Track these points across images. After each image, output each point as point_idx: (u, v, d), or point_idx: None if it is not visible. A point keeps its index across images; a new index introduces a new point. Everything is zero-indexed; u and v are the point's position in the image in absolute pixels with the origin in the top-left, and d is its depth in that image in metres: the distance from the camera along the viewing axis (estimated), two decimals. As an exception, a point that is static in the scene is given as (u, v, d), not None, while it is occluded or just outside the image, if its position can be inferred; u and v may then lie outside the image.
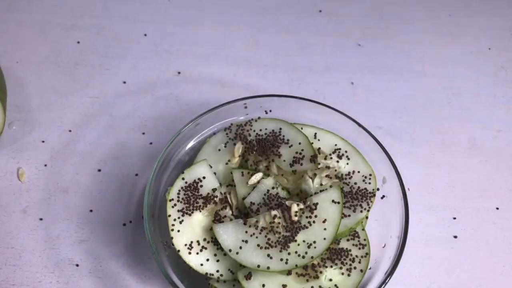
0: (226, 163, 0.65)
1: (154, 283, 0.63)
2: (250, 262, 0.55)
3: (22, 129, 0.75)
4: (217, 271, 0.57)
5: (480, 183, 0.74)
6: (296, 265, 0.54)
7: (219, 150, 0.66)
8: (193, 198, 0.60)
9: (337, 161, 0.64)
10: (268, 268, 0.54)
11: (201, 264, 0.57)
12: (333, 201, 0.58)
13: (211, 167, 0.64)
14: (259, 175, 0.62)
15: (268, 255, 0.55)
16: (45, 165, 0.72)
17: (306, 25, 0.92)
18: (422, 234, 0.68)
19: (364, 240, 0.60)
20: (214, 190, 0.61)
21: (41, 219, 0.67)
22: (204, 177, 0.62)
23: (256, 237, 0.56)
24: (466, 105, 0.82)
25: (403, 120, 0.80)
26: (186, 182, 0.61)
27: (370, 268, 0.59)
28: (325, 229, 0.56)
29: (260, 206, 0.60)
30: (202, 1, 0.94)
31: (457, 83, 0.85)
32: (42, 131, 0.75)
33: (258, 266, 0.54)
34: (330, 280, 0.56)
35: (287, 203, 0.58)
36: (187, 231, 0.58)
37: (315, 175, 0.62)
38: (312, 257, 0.55)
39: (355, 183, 0.63)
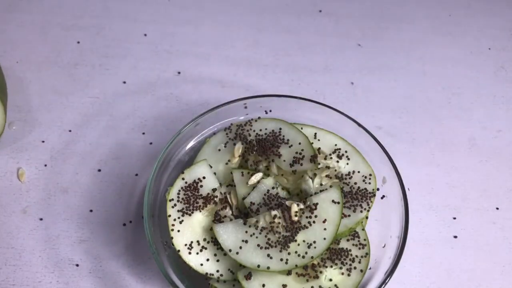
0: (226, 163, 0.65)
1: (154, 283, 0.63)
2: (250, 262, 0.55)
3: (22, 129, 0.75)
4: (217, 271, 0.57)
5: (480, 183, 0.74)
6: (296, 265, 0.54)
7: (219, 150, 0.66)
8: (193, 198, 0.60)
9: (337, 161, 0.64)
10: (268, 268, 0.54)
11: (201, 264, 0.57)
12: (333, 201, 0.58)
13: (211, 167, 0.64)
14: (259, 175, 0.62)
15: (268, 255, 0.55)
16: (45, 165, 0.72)
17: (306, 25, 0.92)
18: (422, 234, 0.68)
19: (364, 240, 0.60)
20: (214, 190, 0.61)
21: (41, 219, 0.67)
22: (204, 177, 0.62)
23: (256, 237, 0.56)
24: (466, 105, 0.82)
25: (403, 120, 0.80)
26: (186, 182, 0.61)
27: (370, 268, 0.59)
28: (325, 229, 0.56)
29: (260, 206, 0.60)
30: (202, 1, 0.94)
31: (457, 83, 0.85)
32: (42, 131, 0.75)
33: (258, 266, 0.54)
34: (330, 280, 0.56)
35: (287, 203, 0.58)
36: (187, 231, 0.58)
37: (315, 175, 0.62)
38: (312, 257, 0.55)
39: (355, 183, 0.63)
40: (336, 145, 0.66)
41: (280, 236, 0.56)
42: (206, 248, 0.58)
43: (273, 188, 0.61)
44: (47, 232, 0.66)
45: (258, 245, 0.56)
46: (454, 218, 0.70)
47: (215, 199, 0.61)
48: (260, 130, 0.66)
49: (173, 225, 0.58)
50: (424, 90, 0.84)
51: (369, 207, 0.61)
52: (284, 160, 0.63)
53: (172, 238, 0.57)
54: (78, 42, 0.86)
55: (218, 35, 0.89)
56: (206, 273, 0.57)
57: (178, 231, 0.58)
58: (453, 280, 0.65)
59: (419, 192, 0.72)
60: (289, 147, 0.64)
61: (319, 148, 0.65)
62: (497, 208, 0.71)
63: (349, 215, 0.60)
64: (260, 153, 0.64)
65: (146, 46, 0.87)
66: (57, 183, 0.70)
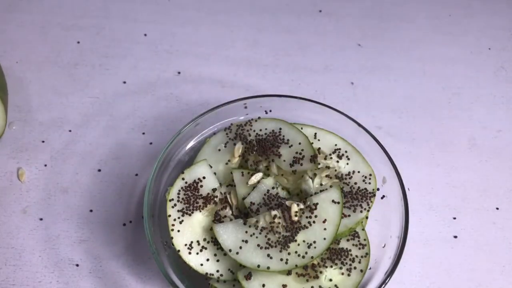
0: (226, 163, 0.65)
1: (154, 283, 0.63)
2: (250, 262, 0.55)
3: (22, 129, 0.75)
4: (217, 271, 0.57)
5: (480, 183, 0.74)
6: (296, 265, 0.54)
7: (219, 150, 0.66)
8: (193, 198, 0.60)
9: (337, 161, 0.64)
10: (268, 268, 0.54)
11: (201, 264, 0.57)
12: (333, 201, 0.58)
13: (211, 167, 0.64)
14: (259, 175, 0.62)
15: (268, 255, 0.55)
16: (45, 165, 0.72)
17: (306, 25, 0.92)
18: (422, 234, 0.68)
19: (364, 240, 0.60)
20: (214, 190, 0.61)
21: (41, 219, 0.67)
22: (204, 177, 0.62)
23: (256, 237, 0.56)
24: (466, 105, 0.82)
25: (403, 120, 0.80)
26: (186, 182, 0.61)
27: (370, 268, 0.59)
28: (325, 229, 0.56)
29: (260, 206, 0.60)
30: (202, 1, 0.94)
31: (457, 83, 0.85)
32: (42, 131, 0.75)
33: (258, 266, 0.54)
34: (330, 280, 0.56)
35: (287, 203, 0.58)
36: (187, 231, 0.58)
37: (315, 175, 0.62)
38: (312, 257, 0.55)
39: (355, 183, 0.63)
40: (336, 145, 0.66)
41: (280, 236, 0.56)
42: (206, 248, 0.58)
43: (273, 188, 0.61)
44: (47, 232, 0.66)
45: (258, 245, 0.56)
46: (454, 218, 0.70)
47: (215, 199, 0.61)
48: (260, 130, 0.66)
49: (173, 225, 0.58)
50: (424, 90, 0.84)
51: (369, 207, 0.61)
52: (284, 160, 0.63)
53: (172, 238, 0.57)
54: (78, 42, 0.86)
55: (218, 35, 0.89)
56: (206, 273, 0.57)
57: (178, 231, 0.58)
58: (453, 280, 0.65)
59: (419, 192, 0.72)
60: (289, 147, 0.64)
61: (319, 148, 0.65)
62: (497, 208, 0.71)
63: (349, 215, 0.60)
64: (260, 153, 0.64)
65: (146, 46, 0.87)
66: (57, 183, 0.70)
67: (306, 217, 0.57)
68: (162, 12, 0.92)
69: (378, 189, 0.64)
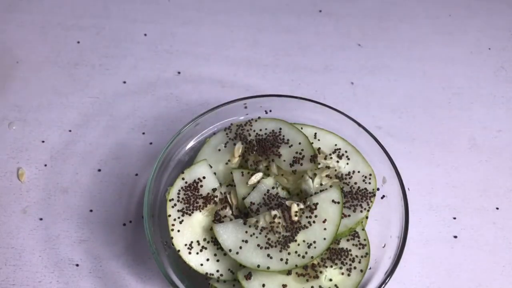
0: (226, 163, 0.65)
1: (154, 283, 0.63)
2: (250, 262, 0.55)
3: (22, 129, 0.75)
4: (217, 271, 0.57)
5: (480, 183, 0.74)
6: (296, 265, 0.54)
7: (219, 150, 0.66)
8: (193, 198, 0.60)
9: (337, 161, 0.64)
10: (268, 268, 0.54)
11: (201, 264, 0.57)
12: (333, 201, 0.58)
13: (211, 167, 0.64)
14: (259, 175, 0.62)
15: (268, 255, 0.55)
16: (45, 165, 0.72)
17: (306, 25, 0.92)
18: (422, 234, 0.68)
19: (364, 240, 0.60)
20: (214, 190, 0.61)
21: (41, 219, 0.67)
22: (204, 177, 0.62)
23: (256, 237, 0.56)
24: (466, 105, 0.82)
25: (403, 120, 0.80)
26: (186, 182, 0.61)
27: (370, 268, 0.59)
28: (325, 229, 0.56)
29: (260, 206, 0.60)
30: (202, 1, 0.94)
31: (457, 83, 0.85)
32: (42, 131, 0.75)
33: (258, 266, 0.54)
34: (330, 280, 0.56)
35: (287, 203, 0.58)
36: (187, 231, 0.58)
37: (315, 175, 0.62)
38: (312, 257, 0.55)
39: (355, 183, 0.63)
40: (336, 145, 0.66)
41: (280, 236, 0.56)
42: (206, 248, 0.58)
43: (273, 188, 0.61)
44: (47, 232, 0.66)
45: (258, 245, 0.56)
46: (454, 218, 0.70)
47: (215, 199, 0.61)
48: (260, 130, 0.66)
49: (173, 225, 0.58)
50: (424, 90, 0.84)
51: (369, 207, 0.61)
52: (284, 160, 0.63)
53: (172, 238, 0.57)
54: (78, 42, 0.86)
55: (218, 35, 0.89)
56: (206, 273, 0.57)
57: (178, 231, 0.58)
58: (453, 280, 0.65)
59: (419, 192, 0.72)
60: (289, 147, 0.64)
61: (319, 148, 0.65)
62: (497, 208, 0.71)
63: (349, 215, 0.60)
64: (260, 153, 0.64)
65: (146, 46, 0.87)
66: (57, 183, 0.70)
67: (306, 217, 0.57)
68: (162, 12, 0.92)
69: (378, 189, 0.64)
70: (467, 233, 0.69)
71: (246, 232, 0.57)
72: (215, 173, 0.64)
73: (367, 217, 0.62)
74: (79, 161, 0.73)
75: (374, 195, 0.62)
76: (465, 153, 0.77)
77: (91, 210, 0.68)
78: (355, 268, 0.57)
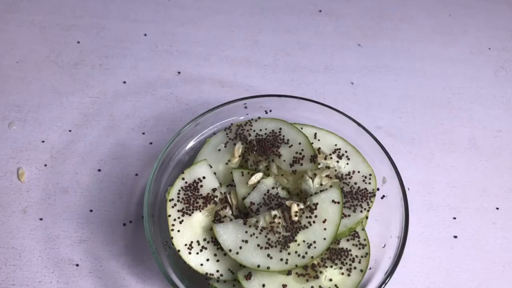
0: (226, 163, 0.65)
1: (154, 283, 0.63)
2: (250, 262, 0.55)
3: (22, 129, 0.75)
4: (217, 271, 0.57)
5: (480, 183, 0.74)
6: (296, 265, 0.54)
7: (219, 150, 0.66)
8: (193, 198, 0.60)
9: (337, 161, 0.64)
10: (268, 268, 0.54)
11: (201, 264, 0.57)
12: (333, 201, 0.58)
13: (211, 167, 0.64)
14: (259, 175, 0.62)
15: (268, 255, 0.55)
16: (45, 165, 0.72)
17: (306, 25, 0.92)
18: (422, 234, 0.68)
19: (364, 240, 0.60)
20: (214, 190, 0.61)
21: (41, 219, 0.67)
22: (204, 177, 0.62)
23: (256, 237, 0.56)
24: (466, 105, 0.82)
25: (403, 120, 0.80)
26: (186, 182, 0.61)
27: (370, 268, 0.59)
28: (325, 229, 0.56)
29: (260, 206, 0.60)
30: (202, 1, 0.94)
31: (457, 83, 0.85)
32: (42, 131, 0.75)
33: (258, 266, 0.54)
34: (330, 280, 0.56)
35: (287, 203, 0.58)
36: (187, 231, 0.58)
37: (315, 175, 0.62)
38: (312, 257, 0.55)
39: (355, 183, 0.63)
40: (336, 145, 0.66)
41: (280, 236, 0.56)
42: (206, 248, 0.58)
43: (273, 188, 0.61)
44: (47, 232, 0.66)
45: (258, 245, 0.56)
46: (454, 218, 0.70)
47: (215, 199, 0.61)
48: (260, 130, 0.66)
49: (173, 225, 0.58)
50: (424, 90, 0.84)
51: (369, 207, 0.61)
52: (284, 160, 0.63)
53: (172, 238, 0.57)
54: (78, 42, 0.86)
55: (218, 35, 0.89)
56: (206, 273, 0.57)
57: (178, 231, 0.58)
58: (453, 280, 0.65)
59: (419, 192, 0.72)
60: (289, 147, 0.64)
61: (319, 148, 0.65)
62: (497, 208, 0.71)
63: (349, 215, 0.60)
64: (260, 153, 0.64)
65: (146, 46, 0.87)
66: (57, 183, 0.70)
67: (306, 217, 0.57)
68: (162, 12, 0.92)
69: (378, 189, 0.64)
70: (467, 233, 0.69)
71: (246, 232, 0.57)
72: (215, 173, 0.64)
73: (367, 217, 0.62)
74: (79, 161, 0.73)
75: (374, 195, 0.62)
76: (465, 153, 0.77)
77: (91, 210, 0.68)
78: (355, 268, 0.58)
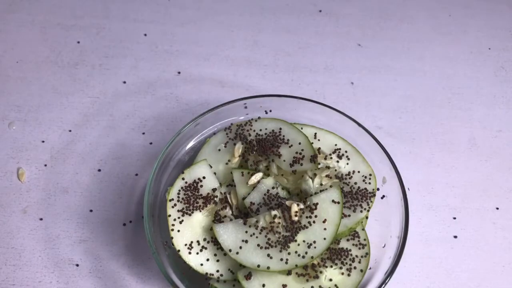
0: (226, 163, 0.65)
1: (154, 283, 0.63)
2: (250, 262, 0.55)
3: (22, 129, 0.75)
4: (217, 271, 0.57)
5: (480, 183, 0.74)
6: (296, 265, 0.54)
7: (219, 150, 0.66)
8: (193, 198, 0.60)
9: (337, 161, 0.64)
10: (268, 268, 0.54)
11: (201, 264, 0.57)
12: (333, 201, 0.58)
13: (211, 167, 0.64)
14: (259, 175, 0.62)
15: (268, 255, 0.55)
16: (45, 165, 0.72)
17: (306, 25, 0.92)
18: (422, 234, 0.68)
19: (364, 240, 0.60)
20: (214, 190, 0.61)
21: (41, 219, 0.67)
22: (204, 177, 0.62)
23: (256, 237, 0.56)
24: (466, 105, 0.82)
25: (403, 120, 0.80)
26: (186, 182, 0.61)
27: (370, 268, 0.59)
28: (325, 229, 0.56)
29: (260, 206, 0.60)
30: (202, 1, 0.94)
31: (457, 83, 0.85)
32: (42, 131, 0.75)
33: (258, 266, 0.54)
34: (330, 280, 0.56)
35: (287, 203, 0.58)
36: (187, 231, 0.58)
37: (315, 175, 0.62)
38: (312, 257, 0.55)
39: (355, 183, 0.63)
40: (336, 145, 0.66)
41: (280, 236, 0.56)
42: (206, 248, 0.58)
43: (273, 188, 0.61)
44: (47, 232, 0.66)
45: (258, 245, 0.56)
46: (454, 218, 0.70)
47: (215, 199, 0.61)
48: (260, 130, 0.66)
49: (173, 225, 0.58)
50: (424, 90, 0.84)
51: (369, 207, 0.61)
52: (284, 160, 0.63)
53: (172, 238, 0.57)
54: (78, 42, 0.86)
55: (218, 35, 0.89)
56: (206, 273, 0.57)
57: (178, 231, 0.58)
58: (453, 280, 0.65)
59: (419, 192, 0.72)
60: (289, 147, 0.64)
61: (319, 148, 0.65)
62: (497, 208, 0.71)
63: (349, 215, 0.60)
64: (260, 153, 0.64)
65: (146, 46, 0.87)
66: (57, 183, 0.70)
67: (306, 217, 0.57)
68: (162, 12, 0.92)
69: (378, 189, 0.64)
70: (467, 233, 0.69)
71: (246, 232, 0.57)
72: (215, 173, 0.64)
73: (367, 217, 0.62)
74: (79, 161, 0.73)
75: (374, 195, 0.62)
76: (465, 153, 0.77)
77: (91, 210, 0.68)
78: (355, 268, 0.58)
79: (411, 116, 0.80)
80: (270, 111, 0.70)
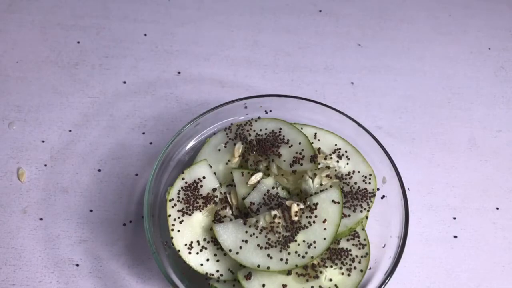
0: (226, 163, 0.65)
1: (154, 283, 0.63)
2: (250, 262, 0.55)
3: (22, 129, 0.75)
4: (217, 271, 0.57)
5: (480, 183, 0.74)
6: (296, 265, 0.54)
7: (219, 150, 0.66)
8: (193, 198, 0.60)
9: (337, 161, 0.64)
10: (268, 268, 0.54)
11: (201, 264, 0.57)
12: (333, 201, 0.58)
13: (211, 167, 0.64)
14: (259, 175, 0.62)
15: (268, 255, 0.55)
16: (45, 165, 0.72)
17: (306, 25, 0.92)
18: (422, 234, 0.68)
19: (364, 240, 0.60)
20: (214, 190, 0.61)
21: (41, 219, 0.67)
22: (204, 177, 0.62)
23: (256, 237, 0.56)
24: (466, 105, 0.82)
25: (403, 120, 0.80)
26: (186, 182, 0.61)
27: (370, 268, 0.59)
28: (325, 229, 0.56)
29: (260, 206, 0.60)
30: (202, 1, 0.94)
31: (457, 83, 0.85)
32: (42, 131, 0.75)
33: (258, 266, 0.54)
34: (330, 280, 0.56)
35: (287, 203, 0.58)
36: (187, 231, 0.58)
37: (315, 175, 0.62)
38: (312, 257, 0.55)
39: (355, 183, 0.63)
40: (336, 145, 0.66)
41: (280, 236, 0.56)
42: (206, 248, 0.58)
43: (273, 188, 0.61)
44: (47, 232, 0.66)
45: (258, 245, 0.56)
46: (454, 218, 0.70)
47: (215, 199, 0.61)
48: (260, 130, 0.66)
49: (173, 225, 0.58)
50: (424, 90, 0.84)
51: (369, 207, 0.61)
52: (284, 160, 0.63)
53: (172, 238, 0.57)
54: (78, 42, 0.86)
55: (218, 35, 0.89)
56: (206, 273, 0.57)
57: (178, 231, 0.58)
58: (453, 280, 0.65)
59: (419, 192, 0.72)
60: (289, 147, 0.64)
61: (319, 148, 0.65)
62: (497, 208, 0.71)
63: (349, 215, 0.60)
64: (260, 153, 0.64)
65: (146, 46, 0.87)
66: (57, 183, 0.70)
67: (306, 217, 0.57)
68: (162, 12, 0.92)
69: (378, 189, 0.64)
70: (467, 233, 0.69)
71: (246, 232, 0.57)
72: (215, 173, 0.64)
73: (367, 217, 0.62)
74: (79, 161, 0.73)
75: (374, 195, 0.62)
76: (465, 153, 0.77)
77: (91, 210, 0.68)
78: (355, 268, 0.58)
79: (411, 116, 0.80)
80: (270, 111, 0.70)
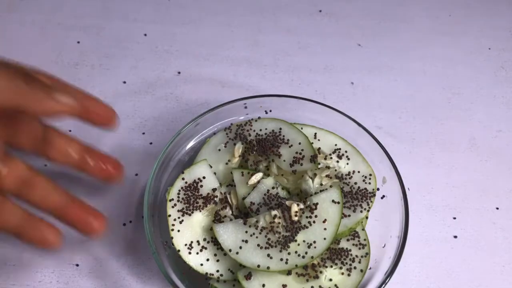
0: (226, 163, 0.65)
1: (154, 283, 0.63)
2: (250, 262, 0.55)
3: (22, 129, 0.75)
4: (217, 271, 0.57)
5: (480, 183, 0.74)
6: (296, 265, 0.54)
7: (219, 150, 0.66)
8: (193, 198, 0.60)
9: (337, 161, 0.64)
10: (268, 268, 0.54)
11: (201, 264, 0.57)
12: (333, 201, 0.58)
13: (211, 167, 0.64)
14: (259, 175, 0.62)
15: (268, 255, 0.55)
16: (45, 165, 0.72)
17: (306, 25, 0.92)
18: (422, 234, 0.68)
19: (364, 240, 0.60)
20: (214, 190, 0.61)
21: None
22: (204, 177, 0.62)
23: (256, 237, 0.56)
24: (466, 105, 0.82)
25: (403, 120, 0.80)
26: (186, 182, 0.61)
27: (370, 268, 0.59)
28: (325, 229, 0.56)
29: (260, 206, 0.60)
30: (202, 1, 0.94)
31: (457, 83, 0.85)
32: (42, 131, 0.75)
33: (258, 266, 0.54)
34: (330, 280, 0.56)
35: (287, 203, 0.58)
36: (187, 231, 0.58)
37: (315, 175, 0.62)
38: (312, 257, 0.55)
39: (355, 183, 0.63)
40: (336, 145, 0.66)
41: (280, 236, 0.56)
42: (206, 248, 0.58)
43: (273, 188, 0.61)
44: (47, 232, 0.66)
45: (258, 245, 0.56)
46: (454, 218, 0.70)
47: (215, 199, 0.61)
48: (260, 130, 0.66)
49: (173, 225, 0.58)
50: (424, 90, 0.84)
51: (369, 207, 0.61)
52: (284, 160, 0.63)
53: (172, 238, 0.57)
54: (78, 42, 0.86)
55: (218, 35, 0.89)
56: (206, 273, 0.57)
57: (178, 231, 0.58)
58: (453, 280, 0.65)
59: (419, 192, 0.72)
60: (289, 147, 0.64)
61: (319, 148, 0.65)
62: (497, 208, 0.71)
63: (349, 215, 0.60)
64: (260, 153, 0.64)
65: (146, 46, 0.87)
66: (57, 183, 0.70)
67: (306, 217, 0.57)
68: (162, 12, 0.92)
69: (378, 189, 0.64)
70: (467, 233, 0.69)
71: (246, 232, 0.57)
72: (215, 173, 0.64)
73: (367, 217, 0.62)
74: (79, 161, 0.72)
75: (374, 195, 0.62)
76: (465, 153, 0.77)
77: (91, 210, 0.68)
78: (355, 268, 0.58)
79: (411, 116, 0.80)
80: (270, 111, 0.70)
